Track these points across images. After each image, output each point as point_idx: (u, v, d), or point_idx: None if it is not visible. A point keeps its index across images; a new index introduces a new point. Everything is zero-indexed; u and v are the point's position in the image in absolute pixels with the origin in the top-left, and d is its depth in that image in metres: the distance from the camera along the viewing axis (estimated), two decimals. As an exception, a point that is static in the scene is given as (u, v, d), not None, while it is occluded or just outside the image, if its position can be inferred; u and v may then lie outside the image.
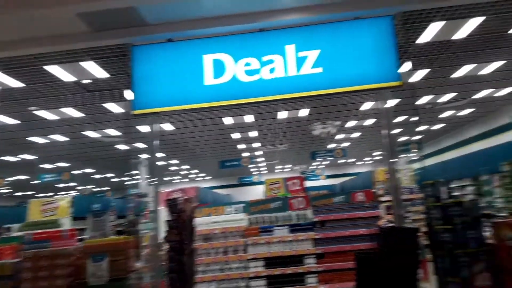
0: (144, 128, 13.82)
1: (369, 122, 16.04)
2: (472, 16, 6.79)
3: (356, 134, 19.17)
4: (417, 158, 26.08)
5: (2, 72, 8.35)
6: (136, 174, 16.51)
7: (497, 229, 4.13)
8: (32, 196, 30.09)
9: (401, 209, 5.13)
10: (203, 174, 31.44)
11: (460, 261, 4.11)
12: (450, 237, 4.16)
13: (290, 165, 29.69)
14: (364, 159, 30.57)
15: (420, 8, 5.55)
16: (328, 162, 29.20)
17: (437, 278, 4.29)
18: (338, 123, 15.33)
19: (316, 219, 6.98)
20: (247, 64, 4.39)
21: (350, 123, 16.30)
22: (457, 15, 6.69)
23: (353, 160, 30.48)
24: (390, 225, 6.21)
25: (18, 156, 17.17)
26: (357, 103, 13.02)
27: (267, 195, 11.13)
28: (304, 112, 13.48)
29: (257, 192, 26.12)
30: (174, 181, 32.46)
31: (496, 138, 15.76)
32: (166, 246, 4.30)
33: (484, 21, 6.96)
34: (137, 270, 3.45)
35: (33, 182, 24.51)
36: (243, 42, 4.46)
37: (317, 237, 6.83)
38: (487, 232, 4.23)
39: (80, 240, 4.65)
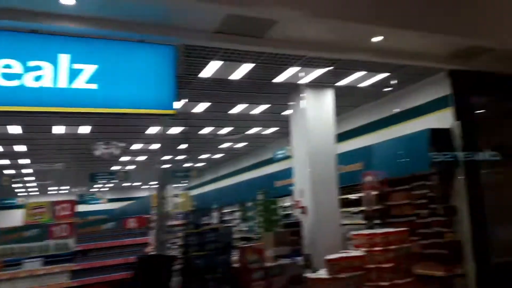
0: None
1: (155, 146, 16.15)
2: (245, 61, 7.68)
3: (141, 158, 18.96)
4: (196, 184, 27.64)
5: None
6: None
7: (242, 254, 4.60)
8: None
9: (164, 236, 5.19)
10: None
11: (208, 285, 4.37)
12: (202, 263, 4.40)
13: (67, 187, 26.91)
14: (150, 183, 30.47)
15: (201, 45, 5.94)
16: (112, 185, 27.80)
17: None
18: (122, 144, 14.83)
19: (78, 248, 6.39)
20: (7, 66, 3.80)
21: (136, 146, 16.02)
22: (233, 58, 7.45)
23: (139, 183, 29.97)
24: (149, 253, 6.21)
25: None
26: (143, 127, 12.93)
27: (26, 221, 9.62)
28: (85, 130, 12.51)
29: (19, 217, 22.45)
30: None
31: (262, 170, 18.15)
32: None
33: (254, 67, 7.98)
34: None
35: None
36: (7, 40, 3.87)
37: (76, 268, 6.21)
38: (235, 257, 4.67)
39: None
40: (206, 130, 14.21)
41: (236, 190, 15.69)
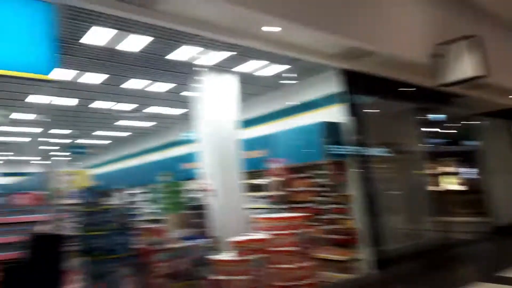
0: None
1: (43, 117, 14.73)
2: (137, 32, 7.40)
3: (32, 130, 17.31)
4: (98, 163, 26.22)
5: None
6: None
7: (144, 235, 4.58)
8: None
9: (59, 214, 4.93)
10: None
11: (107, 266, 4.28)
12: (99, 242, 4.28)
13: None
14: (44, 158, 28.05)
15: (83, 7, 5.46)
16: (4, 158, 24.98)
17: (85, 285, 4.30)
18: (6, 113, 13.31)
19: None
20: None
21: (21, 116, 14.48)
22: (124, 27, 7.12)
23: (32, 157, 27.40)
24: (42, 231, 5.85)
25: None
26: (23, 93, 11.68)
27: None
28: None
29: None
30: None
31: (170, 151, 17.87)
32: None
33: (149, 41, 7.73)
34: None
35: None
36: None
37: None
38: (136, 238, 4.62)
39: None
40: (101, 105, 13.44)
41: (142, 171, 15.27)
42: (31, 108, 13.24)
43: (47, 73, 4.00)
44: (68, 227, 7.07)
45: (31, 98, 11.98)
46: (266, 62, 8.86)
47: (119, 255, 4.32)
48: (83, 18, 6.57)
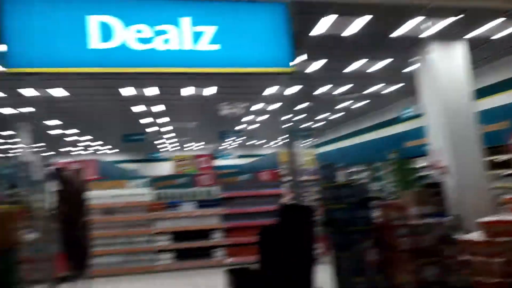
0: (29, 92, 12.54)
1: (275, 106, 16.58)
2: (360, 15, 7.28)
3: (263, 117, 19.73)
4: (318, 143, 27.79)
5: None
6: (19, 141, 14.95)
7: (384, 210, 4.61)
8: None
9: (300, 189, 5.46)
10: (108, 147, 29.79)
11: (350, 238, 4.51)
12: (341, 215, 4.54)
13: (202, 143, 29.52)
14: (273, 141, 31.70)
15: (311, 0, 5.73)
16: (240, 141, 29.66)
17: (332, 253, 4.65)
18: (244, 105, 15.56)
19: (223, 196, 7.13)
20: (139, 31, 4.08)
21: (257, 106, 16.66)
22: (347, 12, 7.11)
23: (262, 141, 31.41)
24: (291, 202, 6.59)
25: None
26: (262, 87, 13.32)
27: (176, 172, 10.99)
28: (210, 91, 13.47)
29: (165, 169, 25.56)
30: (72, 153, 30.22)
31: (386, 130, 17.43)
32: (57, 218, 4.03)
33: (370, 21, 7.52)
34: (27, 242, 3.17)
35: None
36: (134, 7, 4.15)
37: (224, 212, 7.00)
38: (375, 213, 4.69)
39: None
40: (324, 89, 14.06)
41: (361, 150, 15.46)
42: (266, 99, 15.15)
43: (288, 66, 4.43)
44: (308, 200, 7.82)
45: (267, 91, 13.70)
46: (498, 22, 7.52)
47: (360, 227, 4.49)
48: (312, 11, 7.03)
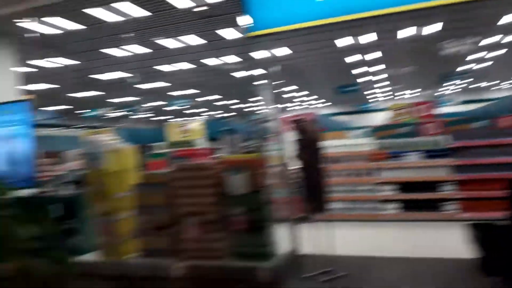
0: (260, 54, 13.87)
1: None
2: None
3: (496, 53, 16.61)
4: None
5: (130, 2, 8.91)
6: (257, 100, 17.03)
7: None
8: (165, 121, 33.25)
9: None
10: (322, 101, 31.05)
11: None
12: None
13: (417, 90, 27.37)
14: (507, 82, 26.72)
15: None
16: (464, 85, 26.11)
17: None
18: (474, 39, 13.31)
19: (452, 145, 6.43)
20: None
21: (488, 40, 14.07)
22: None
23: (492, 83, 26.84)
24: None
25: (150, 83, 18.72)
26: (496, 15, 11.08)
27: (394, 122, 10.50)
28: (433, 29, 12.02)
29: (378, 120, 25.01)
30: (288, 108, 32.74)
31: None
32: (296, 165, 4.38)
33: None
34: (269, 186, 3.58)
35: (167, 108, 26.95)
36: None
37: (455, 163, 6.34)
38: None
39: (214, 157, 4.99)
40: None
41: None
42: (501, 29, 12.73)
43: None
44: None
45: (504, 19, 11.49)
46: None
47: None
48: None
